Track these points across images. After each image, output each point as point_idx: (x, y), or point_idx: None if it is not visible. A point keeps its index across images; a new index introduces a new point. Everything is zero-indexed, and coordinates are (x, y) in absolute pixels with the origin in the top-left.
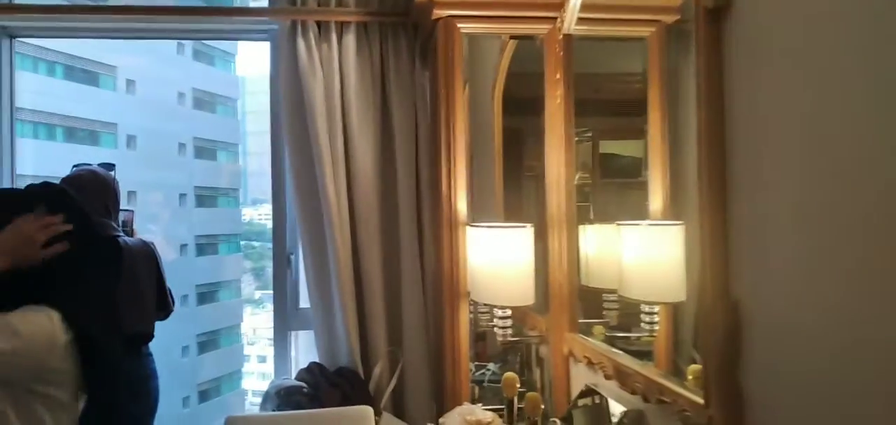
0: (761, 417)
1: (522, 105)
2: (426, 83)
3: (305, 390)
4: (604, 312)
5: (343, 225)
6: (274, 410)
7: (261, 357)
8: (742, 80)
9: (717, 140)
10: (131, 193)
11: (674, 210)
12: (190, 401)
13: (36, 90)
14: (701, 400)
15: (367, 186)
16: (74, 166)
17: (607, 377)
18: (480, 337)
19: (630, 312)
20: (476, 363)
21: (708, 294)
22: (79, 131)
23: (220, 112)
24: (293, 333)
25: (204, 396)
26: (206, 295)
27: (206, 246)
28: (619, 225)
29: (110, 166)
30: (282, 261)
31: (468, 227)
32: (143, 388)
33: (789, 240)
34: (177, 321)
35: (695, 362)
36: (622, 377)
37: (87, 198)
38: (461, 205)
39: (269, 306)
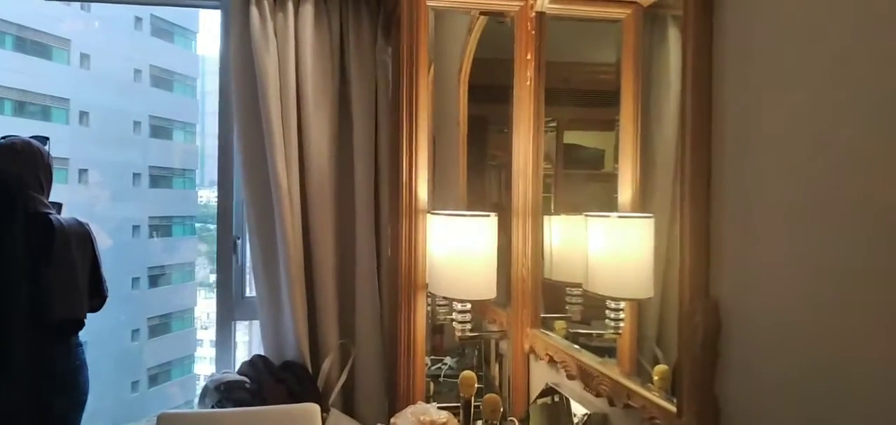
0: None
1: (489, 92)
2: (388, 60)
3: (247, 385)
4: (567, 307)
5: (294, 209)
6: (214, 406)
7: (214, 342)
8: (731, 68)
9: (702, 131)
10: (82, 171)
11: (643, 202)
12: (139, 386)
13: None
14: (673, 408)
15: (322, 169)
16: (2, 137)
17: (570, 377)
18: (437, 329)
19: (594, 307)
20: (432, 357)
21: (685, 292)
22: (29, 106)
23: (178, 90)
24: (237, 323)
25: (154, 380)
26: (159, 278)
27: (159, 227)
28: (586, 216)
29: (44, 139)
30: (226, 246)
31: (428, 215)
32: (70, 380)
33: (777, 239)
34: (128, 303)
35: (659, 361)
36: (586, 377)
37: (21, 168)
38: (422, 192)
39: None
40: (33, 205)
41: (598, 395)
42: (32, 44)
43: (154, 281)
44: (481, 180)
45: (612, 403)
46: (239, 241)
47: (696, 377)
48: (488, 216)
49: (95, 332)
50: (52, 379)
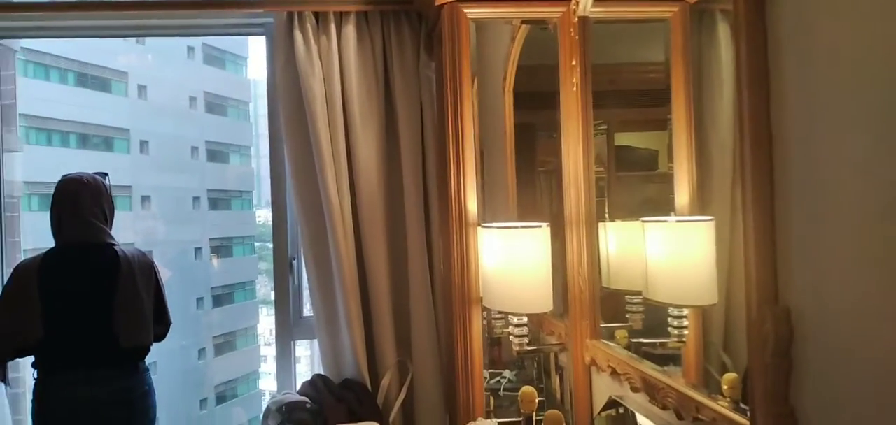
0: None
1: (535, 99)
2: (432, 75)
3: (308, 405)
4: (627, 316)
5: (346, 227)
6: None
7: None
8: (790, 63)
9: (761, 130)
10: (145, 198)
11: (701, 204)
12: (207, 403)
13: (48, 98)
14: (746, 421)
15: (372, 186)
16: (67, 174)
17: (635, 389)
18: (495, 342)
19: (656, 316)
20: (490, 370)
21: (752, 300)
22: (92, 138)
23: (232, 115)
24: (298, 341)
25: (221, 398)
26: (222, 297)
27: (220, 248)
28: (643, 221)
29: (104, 174)
30: (283, 267)
31: (479, 228)
32: (140, 406)
33: (849, 239)
34: (193, 324)
35: (727, 368)
36: (652, 390)
37: (86, 200)
38: (471, 205)
39: None
40: (99, 236)
41: (664, 408)
42: (93, 78)
43: (217, 300)
44: (532, 189)
45: (679, 416)
46: (294, 261)
47: (769, 388)
48: (540, 226)
49: (165, 353)
50: (122, 407)
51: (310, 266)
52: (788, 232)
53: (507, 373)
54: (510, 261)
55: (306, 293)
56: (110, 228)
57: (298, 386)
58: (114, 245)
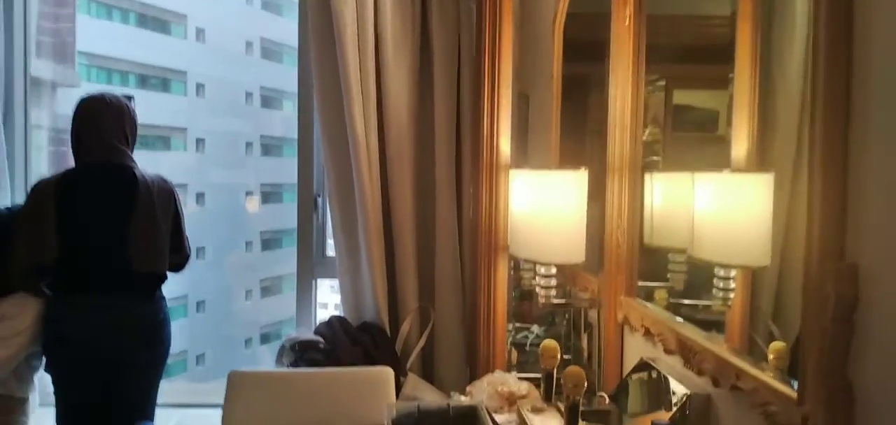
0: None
1: (587, 50)
2: (473, 6)
3: (322, 345)
4: (668, 275)
5: (372, 165)
6: (290, 366)
7: (322, 304)
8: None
9: (839, 67)
10: (200, 141)
11: (760, 159)
12: (252, 343)
13: (110, 37)
14: (792, 393)
15: (401, 123)
16: (87, 94)
17: (668, 351)
18: (526, 295)
19: (700, 276)
20: (518, 324)
21: (813, 256)
22: (150, 78)
23: (288, 62)
24: (323, 283)
25: (265, 339)
26: (271, 242)
27: (270, 194)
28: (694, 173)
29: (129, 97)
30: (307, 204)
31: (511, 171)
32: (155, 335)
33: None
34: (242, 267)
35: (775, 338)
36: (687, 353)
37: (107, 120)
38: (504, 146)
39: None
40: (119, 157)
41: (699, 373)
42: (152, 20)
43: (266, 245)
44: (577, 143)
45: (716, 383)
46: (319, 198)
47: (824, 357)
48: (577, 171)
49: (213, 292)
50: (136, 332)
51: (333, 203)
52: (863, 178)
53: (535, 328)
54: (542, 207)
55: (330, 231)
56: (131, 150)
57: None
58: (133, 168)
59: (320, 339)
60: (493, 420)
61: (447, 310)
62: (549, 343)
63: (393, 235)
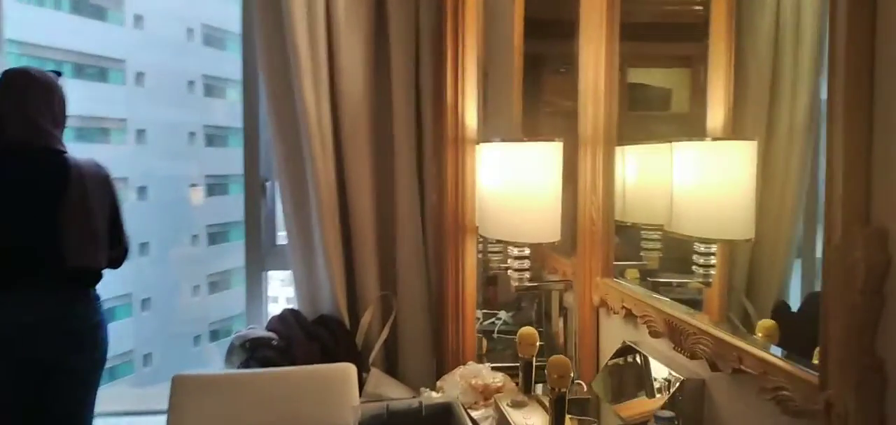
0: None
1: (549, 25)
2: None
3: (275, 342)
4: (642, 254)
5: (325, 144)
6: (241, 366)
7: (273, 297)
8: None
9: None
10: (140, 132)
11: (736, 129)
12: (201, 340)
13: (42, 23)
14: (811, 376)
15: (356, 98)
16: (9, 69)
17: (655, 334)
18: (491, 281)
19: (676, 254)
20: (484, 310)
21: (835, 221)
22: (87, 68)
23: (231, 48)
24: (274, 275)
25: (215, 335)
26: (217, 235)
27: (216, 186)
28: (672, 143)
29: (57, 73)
30: (254, 189)
31: (478, 146)
32: (90, 338)
33: None
34: (188, 261)
35: (749, 317)
36: (678, 335)
37: (33, 96)
38: (470, 119)
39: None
40: (47, 139)
41: (693, 356)
42: (88, 5)
43: (213, 238)
44: (543, 120)
45: (714, 367)
46: (268, 183)
47: (853, 334)
48: (552, 142)
49: (158, 289)
50: (68, 336)
51: (284, 188)
52: (891, 131)
53: (502, 315)
54: (514, 183)
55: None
56: (61, 134)
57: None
58: (63, 151)
59: (273, 336)
60: (470, 417)
61: (411, 298)
62: (528, 330)
63: (350, 219)
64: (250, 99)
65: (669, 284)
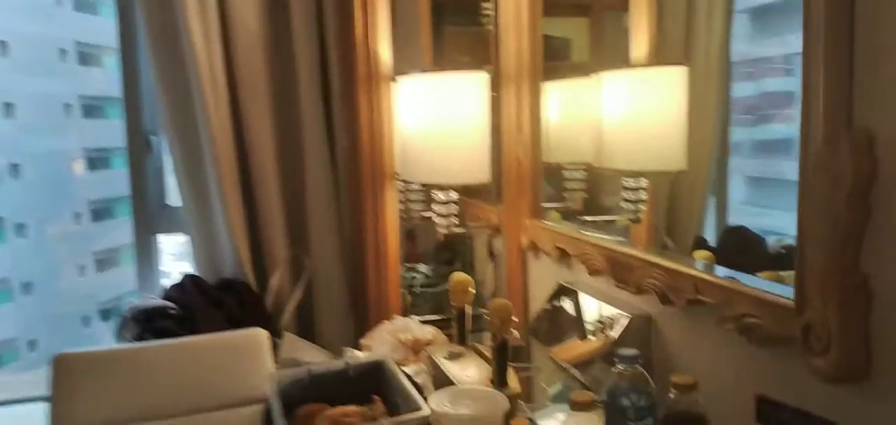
0: None
1: None
2: None
3: (173, 311)
4: (565, 194)
5: (218, 89)
6: (135, 339)
7: (167, 274)
8: None
9: None
10: (9, 106)
11: (662, 55)
12: (91, 321)
13: None
14: (787, 300)
15: (251, 36)
16: None
17: (594, 272)
18: (410, 233)
19: (600, 192)
20: (404, 264)
21: (816, 124)
22: None
23: (104, 12)
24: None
25: (106, 315)
26: (102, 212)
27: (98, 160)
28: (601, 73)
29: None
30: (138, 146)
31: (395, 83)
32: None
33: None
34: (69, 241)
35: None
36: (623, 271)
37: None
38: (383, 53)
39: None
40: None
41: (639, 291)
42: None
43: (97, 215)
44: (455, 50)
45: (666, 300)
46: (154, 137)
47: (835, 247)
48: (479, 73)
49: (39, 271)
50: None
51: (173, 141)
52: (876, 22)
53: (422, 268)
54: (437, 120)
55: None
56: None
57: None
58: None
59: (170, 304)
60: (404, 373)
61: (325, 254)
62: (461, 276)
63: (251, 172)
64: (128, 43)
65: (596, 223)
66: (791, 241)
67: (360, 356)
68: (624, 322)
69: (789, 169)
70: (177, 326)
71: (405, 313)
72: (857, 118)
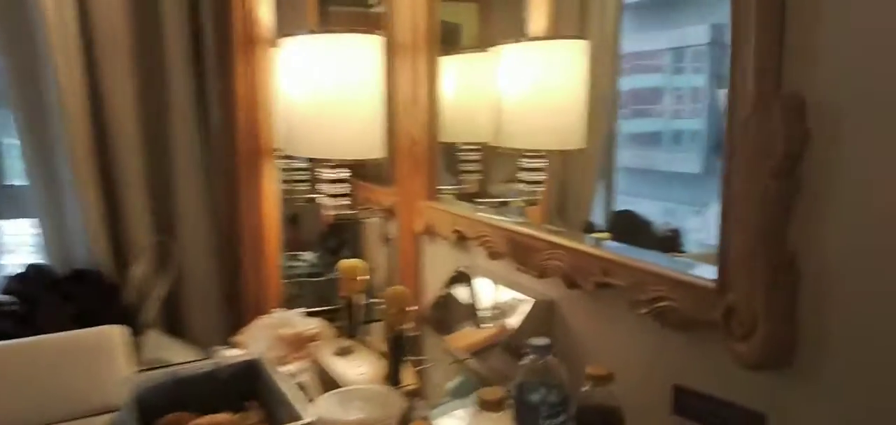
0: (835, 312)
1: None
2: None
3: (12, 307)
4: (460, 176)
5: (70, 56)
6: None
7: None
8: None
9: None
10: None
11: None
12: None
13: None
14: (707, 282)
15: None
16: None
17: (495, 256)
18: (291, 218)
19: (495, 173)
20: (285, 252)
21: (745, 90)
22: None
23: None
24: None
25: None
26: None
27: None
28: (500, 46)
29: None
30: None
31: (277, 45)
32: None
33: None
34: None
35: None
36: (526, 254)
37: None
38: (263, 14)
39: None
40: None
41: (542, 275)
42: None
43: None
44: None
45: (572, 284)
46: None
47: (761, 227)
48: (373, 35)
49: None
50: None
51: (17, 113)
52: None
53: (307, 256)
54: (327, 87)
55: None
56: None
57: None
58: None
59: (11, 299)
60: (279, 374)
61: (195, 242)
62: (350, 262)
63: (110, 149)
64: None
65: (492, 205)
66: (676, 225)
67: (231, 355)
68: (526, 308)
69: (660, 160)
70: (17, 326)
71: (287, 305)
72: (786, 82)
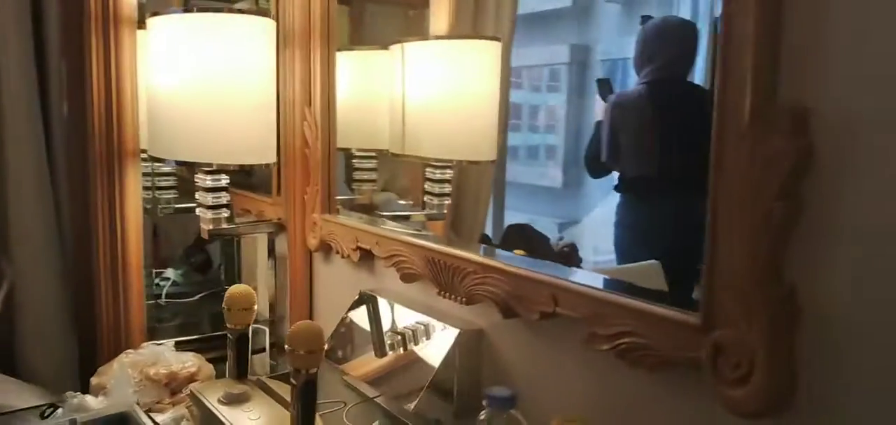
0: (841, 351)
1: None
2: None
3: None
4: (353, 187)
5: None
6: None
7: None
8: None
9: None
10: None
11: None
12: None
13: None
14: (690, 316)
15: None
16: None
17: (409, 278)
18: (153, 230)
19: (398, 184)
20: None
21: (742, 104)
22: None
23: None
24: None
25: None
26: None
27: None
28: (402, 45)
29: None
30: None
31: (144, 27)
32: None
33: None
34: None
35: None
36: (449, 275)
37: None
38: None
39: None
40: None
41: (470, 302)
42: None
43: None
44: None
45: (511, 312)
46: None
47: (756, 252)
48: (262, 18)
49: None
50: None
51: None
52: None
53: (170, 273)
54: (206, 77)
55: None
56: None
57: None
58: None
59: None
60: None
61: (34, 260)
62: (241, 289)
63: None
64: None
65: (393, 219)
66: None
67: (92, 402)
68: (448, 338)
69: (538, 175)
70: None
71: (150, 334)
72: (784, 91)
